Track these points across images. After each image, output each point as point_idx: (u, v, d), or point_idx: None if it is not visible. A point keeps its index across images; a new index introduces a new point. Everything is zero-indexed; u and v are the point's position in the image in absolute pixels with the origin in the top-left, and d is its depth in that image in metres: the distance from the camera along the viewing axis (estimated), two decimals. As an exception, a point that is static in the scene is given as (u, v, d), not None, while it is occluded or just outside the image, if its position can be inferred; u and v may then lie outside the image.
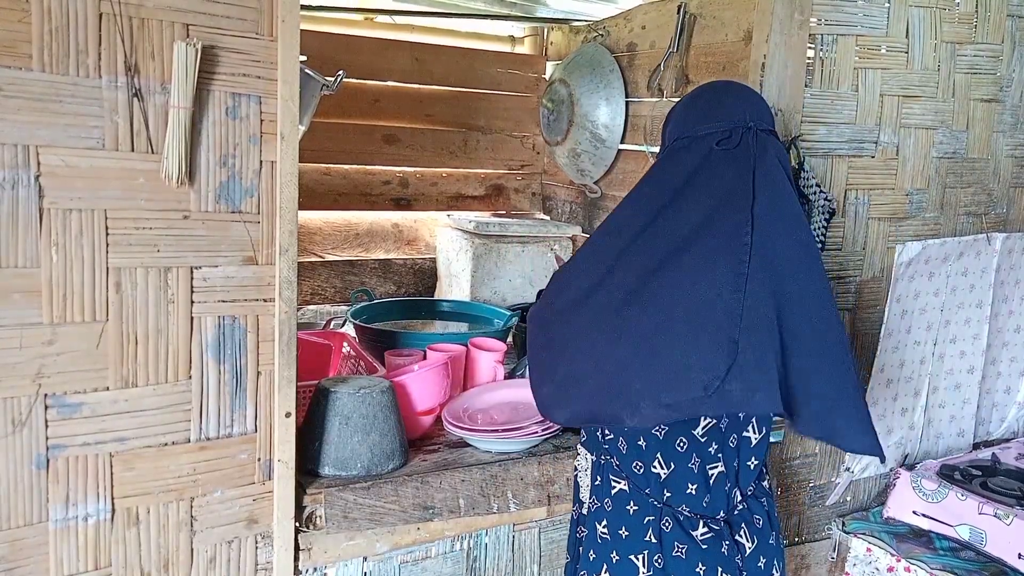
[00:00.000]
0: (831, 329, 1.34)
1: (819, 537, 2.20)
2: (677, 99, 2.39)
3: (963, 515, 1.93)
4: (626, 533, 1.45)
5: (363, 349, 2.01)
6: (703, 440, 1.43)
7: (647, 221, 1.39)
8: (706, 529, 1.43)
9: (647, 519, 1.44)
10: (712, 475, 1.44)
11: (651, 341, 1.32)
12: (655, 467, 1.44)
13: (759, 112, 1.42)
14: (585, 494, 1.57)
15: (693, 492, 1.44)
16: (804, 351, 1.31)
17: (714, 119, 1.40)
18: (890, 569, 1.98)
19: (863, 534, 2.06)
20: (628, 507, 1.46)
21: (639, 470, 1.46)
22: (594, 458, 1.53)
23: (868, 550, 2.03)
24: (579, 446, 1.60)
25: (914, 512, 2.03)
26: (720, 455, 1.45)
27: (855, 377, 1.37)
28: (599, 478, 1.51)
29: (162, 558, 1.39)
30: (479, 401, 1.88)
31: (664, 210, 1.38)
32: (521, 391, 1.91)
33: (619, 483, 1.47)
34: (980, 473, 2.06)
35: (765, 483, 1.53)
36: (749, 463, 1.48)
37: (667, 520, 1.43)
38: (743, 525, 1.47)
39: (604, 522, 1.48)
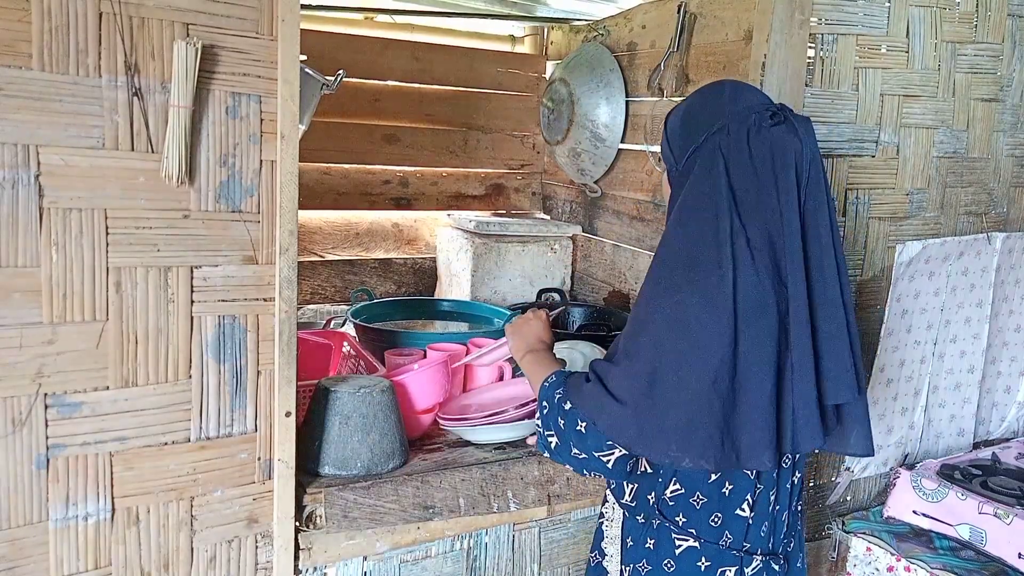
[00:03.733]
0: (847, 324, 1.30)
1: (819, 536, 2.19)
2: (677, 98, 2.39)
3: (963, 514, 1.93)
4: None
5: (363, 348, 2.01)
6: (770, 464, 1.31)
7: (706, 245, 1.26)
8: (758, 563, 1.36)
9: (722, 570, 1.35)
10: (771, 501, 1.37)
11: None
12: (742, 510, 1.35)
13: (767, 96, 1.36)
14: (610, 547, 1.47)
15: (764, 534, 1.37)
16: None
17: (748, 98, 1.32)
18: (890, 569, 1.98)
19: (863, 533, 2.05)
20: (699, 564, 1.35)
21: (716, 522, 1.34)
22: (628, 516, 1.42)
23: (868, 549, 2.03)
24: (608, 492, 1.50)
25: (914, 512, 2.02)
26: (775, 476, 1.37)
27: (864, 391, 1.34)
28: (648, 539, 1.38)
29: (162, 558, 1.39)
30: (477, 399, 1.88)
31: (722, 221, 1.26)
32: (520, 388, 1.90)
33: (685, 541, 1.35)
34: (980, 473, 2.06)
35: (803, 498, 1.47)
36: (794, 478, 1.41)
37: (738, 569, 1.36)
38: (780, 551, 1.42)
39: None
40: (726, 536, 1.35)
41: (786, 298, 1.26)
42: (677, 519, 1.36)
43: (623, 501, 1.43)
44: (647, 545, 1.38)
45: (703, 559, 1.35)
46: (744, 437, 1.24)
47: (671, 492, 1.36)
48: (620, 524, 1.44)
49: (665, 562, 1.36)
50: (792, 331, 1.25)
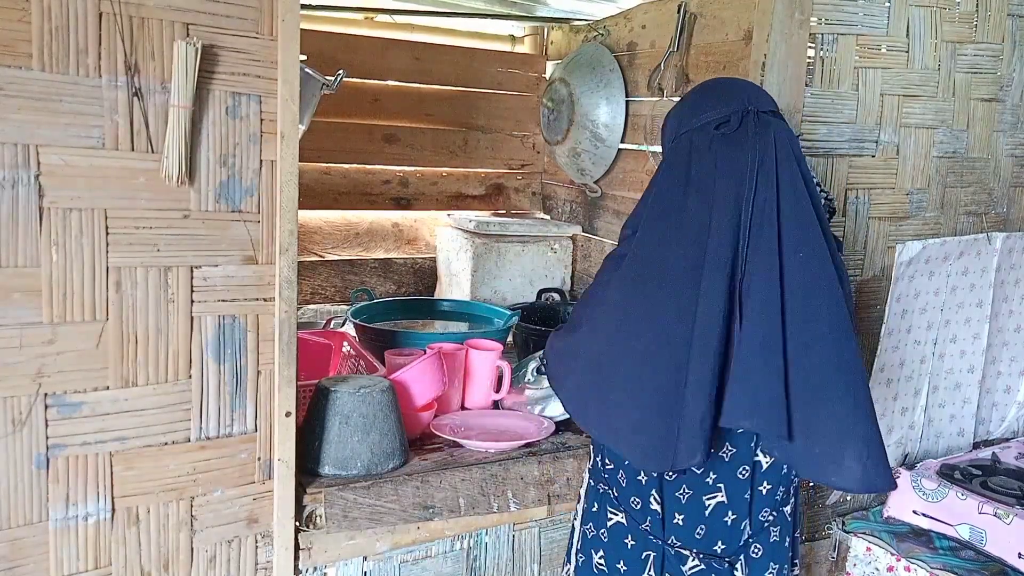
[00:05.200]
0: (841, 352, 1.26)
1: (819, 537, 2.19)
2: (678, 99, 2.39)
3: (963, 514, 1.93)
4: (624, 568, 1.42)
5: (363, 348, 2.01)
6: (699, 472, 1.36)
7: (651, 234, 1.35)
8: (696, 563, 1.38)
9: (645, 554, 1.40)
10: (709, 506, 1.38)
11: (634, 374, 1.31)
12: (653, 503, 1.40)
13: (757, 96, 1.38)
14: (579, 507, 1.56)
15: (680, 523, 1.39)
16: (809, 380, 1.25)
17: (711, 107, 1.36)
18: (890, 568, 1.98)
19: (863, 533, 2.05)
20: (625, 540, 1.42)
21: (636, 505, 1.42)
22: (592, 483, 1.50)
23: (868, 549, 2.03)
24: (587, 470, 1.59)
25: (914, 511, 2.02)
26: (720, 485, 1.38)
27: (868, 405, 1.28)
28: (596, 505, 1.48)
29: (162, 558, 1.39)
30: (469, 423, 1.86)
31: (667, 216, 1.34)
32: (507, 420, 1.90)
33: (616, 515, 1.44)
34: (980, 472, 2.05)
35: (787, 508, 1.45)
36: (761, 488, 1.40)
37: (664, 558, 1.40)
38: (741, 557, 1.41)
39: (600, 552, 1.45)
40: (648, 522, 1.41)
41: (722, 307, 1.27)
42: (611, 491, 1.45)
43: (588, 467, 1.54)
44: (593, 509, 1.48)
45: (629, 537, 1.42)
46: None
47: (608, 463, 1.47)
48: (587, 490, 1.54)
49: (601, 531, 1.46)
50: (694, 343, 1.26)
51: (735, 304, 1.25)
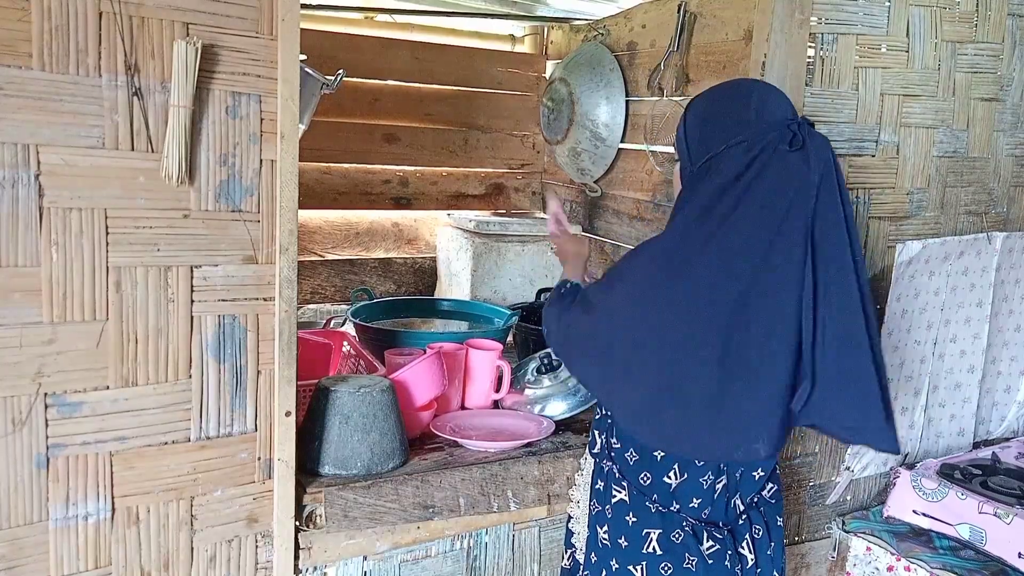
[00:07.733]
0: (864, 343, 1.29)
1: (819, 536, 2.19)
2: (677, 98, 2.40)
3: (963, 514, 1.93)
4: (625, 543, 1.44)
5: (363, 348, 2.01)
6: None
7: (709, 244, 1.29)
8: (711, 543, 1.42)
9: (645, 531, 1.42)
10: (717, 489, 1.43)
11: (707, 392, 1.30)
12: (668, 478, 1.41)
13: (791, 105, 1.36)
14: (576, 492, 1.58)
15: (695, 505, 1.42)
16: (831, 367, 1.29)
17: (768, 117, 1.31)
18: (890, 568, 1.98)
19: (863, 533, 2.05)
20: (627, 518, 1.44)
21: (646, 480, 1.43)
22: (597, 462, 1.52)
23: (868, 549, 2.03)
24: (586, 451, 1.59)
25: (914, 511, 2.02)
26: (724, 467, 1.42)
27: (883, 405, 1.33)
28: (600, 482, 1.50)
29: (162, 557, 1.40)
30: (469, 423, 1.87)
31: (727, 232, 1.28)
32: (507, 420, 1.90)
33: (619, 492, 1.46)
34: (980, 472, 2.06)
35: (767, 492, 1.50)
36: (755, 473, 1.45)
37: (677, 532, 1.41)
38: (746, 536, 1.46)
39: (605, 527, 1.47)
40: (655, 496, 1.43)
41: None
42: (615, 468, 1.46)
43: (593, 451, 1.54)
44: (598, 487, 1.50)
45: (630, 514, 1.44)
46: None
47: (616, 444, 1.48)
48: (591, 472, 1.54)
49: (606, 506, 1.47)
50: (770, 350, 1.29)
51: (803, 313, 1.27)
